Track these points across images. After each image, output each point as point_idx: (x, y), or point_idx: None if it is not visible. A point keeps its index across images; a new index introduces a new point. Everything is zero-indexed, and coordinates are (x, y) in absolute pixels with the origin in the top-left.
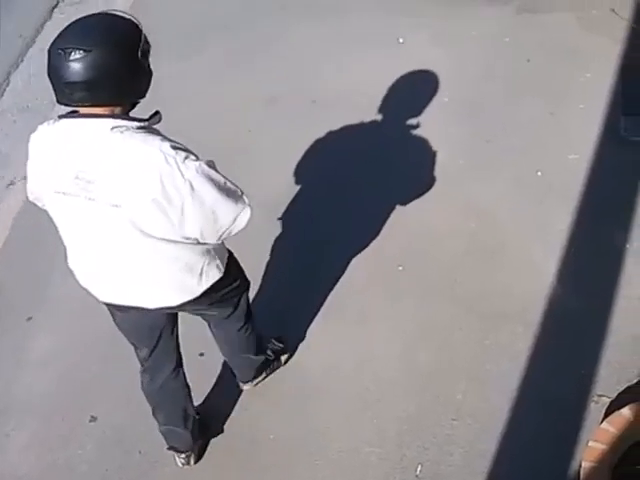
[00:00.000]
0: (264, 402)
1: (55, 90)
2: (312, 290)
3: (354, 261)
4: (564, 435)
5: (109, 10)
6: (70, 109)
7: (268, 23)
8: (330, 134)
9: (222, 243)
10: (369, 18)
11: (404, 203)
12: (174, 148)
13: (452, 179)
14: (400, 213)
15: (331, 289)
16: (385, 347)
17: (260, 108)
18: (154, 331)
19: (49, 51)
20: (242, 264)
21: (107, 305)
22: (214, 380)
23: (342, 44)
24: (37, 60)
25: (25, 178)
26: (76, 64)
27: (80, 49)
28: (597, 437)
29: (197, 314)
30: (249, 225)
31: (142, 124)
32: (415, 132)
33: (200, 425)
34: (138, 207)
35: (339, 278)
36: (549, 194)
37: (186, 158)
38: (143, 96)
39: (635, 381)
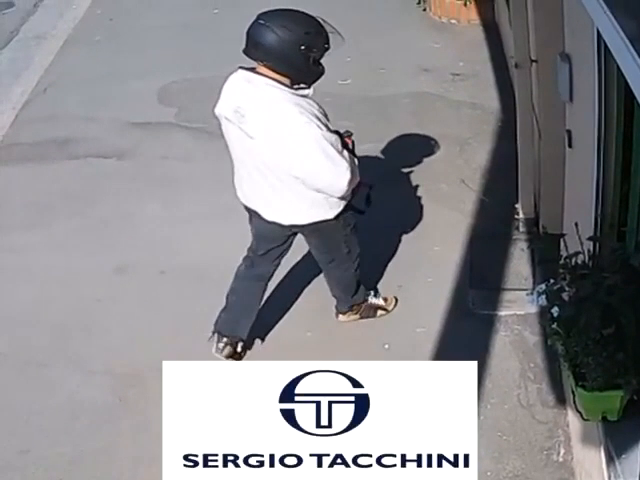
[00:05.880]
0: None
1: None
2: None
3: None
4: None
5: (315, 15)
6: (250, 67)
7: (120, 199)
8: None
9: (339, 199)
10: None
11: None
12: (308, 111)
13: (297, 352)
14: None
15: None
16: None
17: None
18: (265, 239)
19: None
20: None
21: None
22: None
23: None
24: None
25: None
26: (257, 29)
27: (264, 22)
28: None
29: (309, 247)
30: None
31: (290, 90)
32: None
33: (250, 331)
34: (267, 142)
35: None
36: None
37: (310, 122)
38: (302, 81)
39: None
